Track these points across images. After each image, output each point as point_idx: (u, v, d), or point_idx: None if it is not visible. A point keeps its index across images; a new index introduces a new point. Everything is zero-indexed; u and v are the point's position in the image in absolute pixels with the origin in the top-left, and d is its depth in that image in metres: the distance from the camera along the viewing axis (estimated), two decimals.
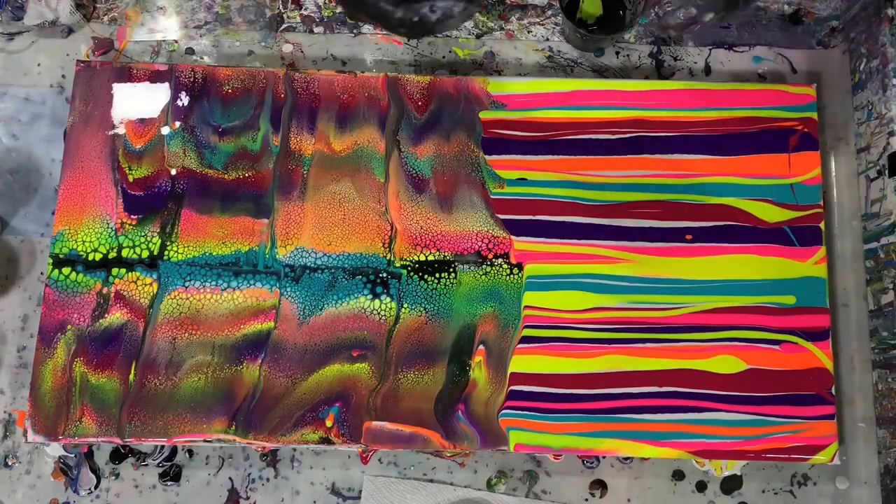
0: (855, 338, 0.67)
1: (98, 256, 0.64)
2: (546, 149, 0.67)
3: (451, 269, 0.64)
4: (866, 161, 0.69)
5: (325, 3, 0.73)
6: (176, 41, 0.72)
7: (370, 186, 0.66)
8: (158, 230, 0.65)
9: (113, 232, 0.64)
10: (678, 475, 0.65)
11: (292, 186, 0.66)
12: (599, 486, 0.64)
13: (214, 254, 0.64)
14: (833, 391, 0.63)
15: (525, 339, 0.63)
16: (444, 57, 0.72)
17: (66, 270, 0.64)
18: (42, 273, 0.68)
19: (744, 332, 0.64)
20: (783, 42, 0.73)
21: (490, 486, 0.64)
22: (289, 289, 0.64)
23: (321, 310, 0.63)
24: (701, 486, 0.65)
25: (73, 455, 0.64)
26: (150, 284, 0.64)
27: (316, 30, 0.73)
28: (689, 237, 0.65)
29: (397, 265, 0.64)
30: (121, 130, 0.66)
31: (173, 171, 0.66)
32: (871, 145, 0.68)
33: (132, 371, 0.62)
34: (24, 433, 0.62)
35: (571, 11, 0.69)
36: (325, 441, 0.61)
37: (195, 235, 0.65)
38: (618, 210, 0.66)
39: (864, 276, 0.68)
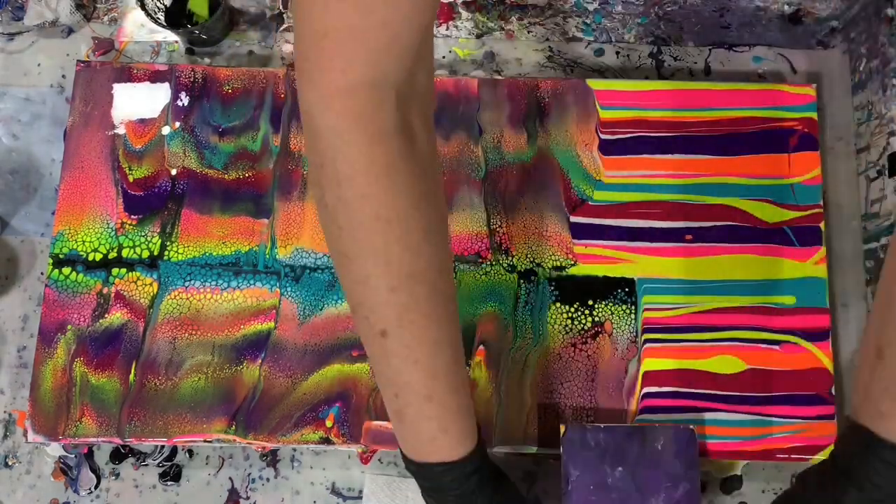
0: (855, 338, 0.67)
1: (98, 256, 0.64)
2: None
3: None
4: (866, 161, 0.69)
5: None
6: (176, 41, 0.72)
7: None
8: (158, 230, 0.65)
9: (113, 232, 0.64)
10: None
11: (292, 186, 0.66)
12: None
13: (214, 254, 0.64)
14: (833, 391, 0.63)
15: None
16: (444, 57, 0.72)
17: (66, 270, 0.64)
18: (42, 273, 0.68)
19: (744, 332, 0.64)
20: (783, 42, 0.73)
21: None
22: (289, 289, 0.64)
23: (321, 310, 0.63)
24: (701, 486, 0.64)
25: (73, 455, 0.64)
26: (150, 284, 0.64)
27: None
28: (689, 237, 0.65)
29: None
30: (121, 130, 0.66)
31: (173, 172, 0.66)
32: (871, 145, 0.68)
33: (132, 371, 0.62)
34: (24, 433, 0.62)
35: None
36: (325, 441, 0.61)
37: (195, 235, 0.65)
38: (617, 210, 0.66)
39: (864, 276, 0.68)
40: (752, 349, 0.63)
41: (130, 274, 0.64)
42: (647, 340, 0.63)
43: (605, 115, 0.67)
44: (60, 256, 0.64)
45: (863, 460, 0.46)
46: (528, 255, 0.65)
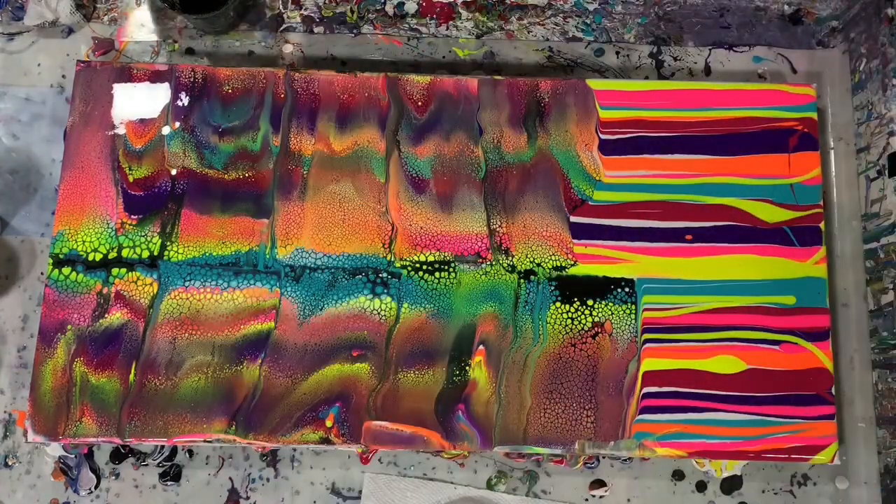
0: (855, 338, 0.67)
1: (98, 256, 0.64)
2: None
3: (451, 269, 0.64)
4: (866, 161, 0.69)
5: (325, 3, 0.73)
6: (176, 41, 0.72)
7: (370, 186, 0.66)
8: (158, 230, 0.65)
9: (113, 232, 0.64)
10: (678, 475, 0.65)
11: (292, 186, 0.66)
12: (599, 485, 0.64)
13: (214, 254, 0.64)
14: (833, 391, 0.63)
15: None
16: (444, 57, 0.72)
17: (66, 270, 0.64)
18: (42, 273, 0.68)
19: (744, 332, 0.64)
20: (783, 42, 0.73)
21: (490, 486, 0.64)
22: (289, 288, 0.64)
23: (321, 309, 0.63)
24: (701, 486, 0.65)
25: (73, 455, 0.64)
26: (150, 284, 0.64)
27: (316, 30, 0.73)
28: (689, 237, 0.65)
29: (397, 265, 0.64)
30: (121, 130, 0.66)
31: (173, 172, 0.66)
32: (871, 145, 0.68)
33: (132, 371, 0.62)
34: (24, 433, 0.62)
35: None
36: (325, 441, 0.61)
37: (195, 235, 0.65)
38: (617, 210, 0.66)
39: (864, 276, 0.68)
40: (752, 349, 0.63)
41: (130, 274, 0.64)
42: (647, 340, 0.63)
43: (605, 115, 0.67)
44: (60, 256, 0.64)
45: None
46: (528, 255, 0.65)
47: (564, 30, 0.73)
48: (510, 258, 0.65)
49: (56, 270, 0.64)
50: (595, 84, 0.68)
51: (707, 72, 0.72)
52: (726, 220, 0.66)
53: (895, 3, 0.66)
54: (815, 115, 0.68)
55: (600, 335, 0.63)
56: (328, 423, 0.61)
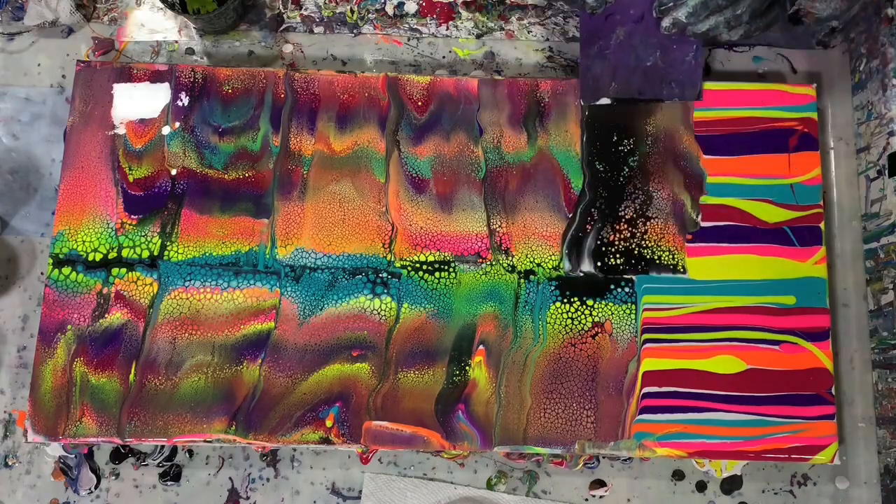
0: (855, 338, 0.67)
1: (98, 256, 0.64)
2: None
3: (451, 269, 0.64)
4: (866, 161, 0.69)
5: (325, 3, 0.73)
6: (176, 41, 0.72)
7: (370, 186, 0.66)
8: (158, 230, 0.65)
9: (113, 232, 0.64)
10: (678, 475, 0.65)
11: (292, 186, 0.66)
12: (599, 485, 0.64)
13: (214, 254, 0.64)
14: (833, 391, 0.63)
15: None
16: (444, 57, 0.72)
17: (66, 270, 0.64)
18: (42, 273, 0.68)
19: (744, 332, 0.64)
20: (783, 42, 0.73)
21: (490, 486, 0.64)
22: (289, 288, 0.64)
23: (321, 310, 0.63)
24: (701, 486, 0.65)
25: (73, 455, 0.64)
26: (150, 284, 0.64)
27: (316, 30, 0.73)
28: (689, 237, 0.65)
29: (397, 265, 0.64)
30: (121, 130, 0.66)
31: (173, 171, 0.66)
32: (871, 145, 0.68)
33: (132, 371, 0.62)
34: (24, 433, 0.62)
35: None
36: (325, 441, 0.61)
37: (195, 235, 0.65)
38: None
39: (864, 276, 0.68)
40: (752, 349, 0.63)
41: (130, 274, 0.64)
42: (647, 340, 0.63)
43: None
44: (60, 256, 0.64)
45: None
46: (528, 255, 0.65)
47: (565, 30, 0.73)
48: (510, 258, 0.65)
49: (56, 270, 0.64)
50: None
51: (707, 72, 0.72)
52: (726, 220, 0.66)
53: (895, 3, 0.66)
54: (815, 115, 0.68)
55: (600, 335, 0.63)
56: (328, 423, 0.61)
